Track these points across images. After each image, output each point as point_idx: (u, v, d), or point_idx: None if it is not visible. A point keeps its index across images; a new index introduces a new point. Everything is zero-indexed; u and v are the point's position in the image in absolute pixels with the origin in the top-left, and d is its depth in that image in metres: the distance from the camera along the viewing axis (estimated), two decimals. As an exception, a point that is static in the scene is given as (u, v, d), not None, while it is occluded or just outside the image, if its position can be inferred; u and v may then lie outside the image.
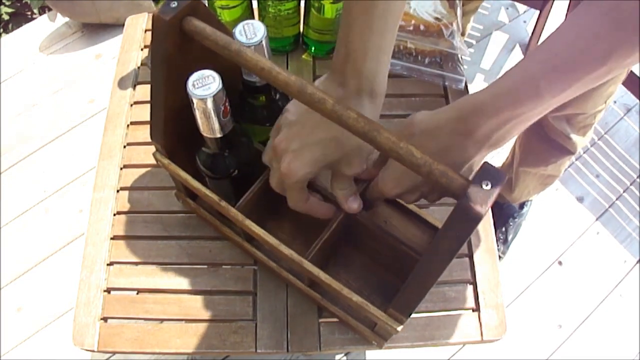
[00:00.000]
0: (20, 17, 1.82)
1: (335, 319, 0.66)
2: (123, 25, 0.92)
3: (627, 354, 1.31)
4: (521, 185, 1.25)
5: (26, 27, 1.78)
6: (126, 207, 0.74)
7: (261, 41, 0.51)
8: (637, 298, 1.37)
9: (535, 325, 1.34)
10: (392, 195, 0.53)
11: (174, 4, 0.46)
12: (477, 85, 1.66)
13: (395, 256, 0.59)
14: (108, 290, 0.69)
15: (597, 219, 1.48)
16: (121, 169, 0.77)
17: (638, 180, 1.55)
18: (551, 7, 1.57)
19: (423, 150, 0.50)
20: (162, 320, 0.67)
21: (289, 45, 0.86)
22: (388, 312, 0.53)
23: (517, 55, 1.73)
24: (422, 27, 0.78)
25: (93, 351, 0.65)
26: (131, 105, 0.83)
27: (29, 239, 1.42)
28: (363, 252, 0.66)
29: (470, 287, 0.69)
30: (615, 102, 1.66)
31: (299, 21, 0.84)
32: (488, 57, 1.74)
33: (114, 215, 0.74)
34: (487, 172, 0.38)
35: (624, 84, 1.49)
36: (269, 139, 0.64)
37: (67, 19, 1.76)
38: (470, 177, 0.39)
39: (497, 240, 0.83)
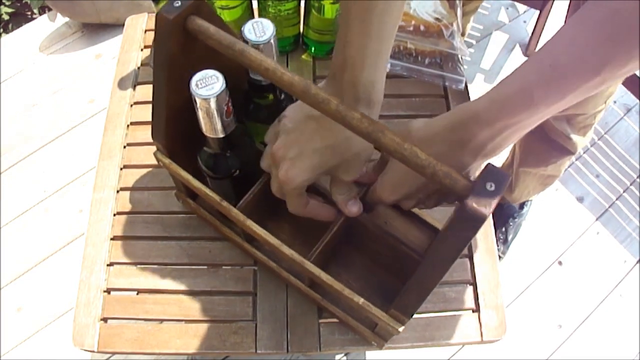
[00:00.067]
0: (20, 17, 1.82)
1: (335, 320, 0.66)
2: (123, 25, 0.92)
3: (627, 354, 1.31)
4: (521, 186, 1.25)
5: (26, 27, 1.78)
6: (126, 207, 0.74)
7: (270, 40, 0.51)
8: (637, 298, 1.37)
9: (535, 325, 1.34)
10: (390, 201, 0.53)
11: (178, 3, 0.46)
12: (477, 85, 1.66)
13: (395, 257, 0.59)
14: (108, 291, 0.69)
15: (597, 219, 1.48)
16: (121, 169, 0.77)
17: (638, 180, 1.55)
18: (551, 7, 1.57)
19: (387, 189, 0.51)
20: (162, 320, 0.67)
21: (289, 46, 0.86)
22: (390, 312, 0.53)
23: (517, 55, 1.73)
24: (422, 28, 0.78)
25: (93, 352, 0.65)
26: (131, 105, 0.83)
27: (29, 239, 1.42)
28: (363, 252, 0.66)
29: (470, 288, 0.69)
30: (615, 102, 1.66)
31: (299, 21, 0.83)
32: (488, 57, 1.73)
33: (114, 215, 0.74)
34: (491, 173, 0.38)
35: (624, 84, 1.49)
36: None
37: (67, 19, 1.76)
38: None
39: (497, 241, 0.84)
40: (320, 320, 0.66)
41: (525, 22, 1.81)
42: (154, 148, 0.60)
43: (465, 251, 0.71)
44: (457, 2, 0.81)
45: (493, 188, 0.37)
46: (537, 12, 1.61)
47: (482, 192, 0.37)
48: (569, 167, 1.54)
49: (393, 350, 0.66)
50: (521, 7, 1.83)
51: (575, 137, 1.02)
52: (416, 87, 0.84)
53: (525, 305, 1.36)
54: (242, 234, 0.66)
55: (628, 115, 1.66)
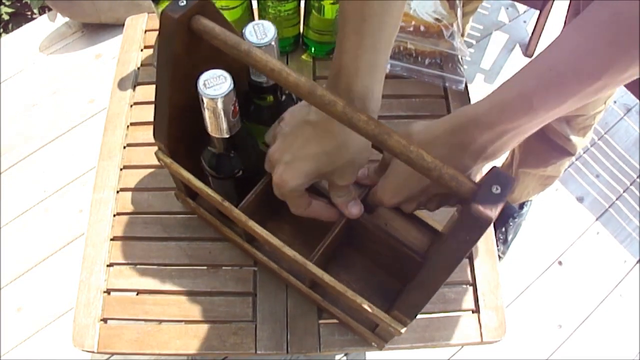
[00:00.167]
0: (20, 17, 1.82)
1: (335, 320, 0.66)
2: (123, 25, 0.92)
3: (627, 354, 1.31)
4: (521, 186, 1.25)
5: (26, 27, 1.78)
6: (126, 208, 0.74)
7: (272, 42, 0.51)
8: (637, 298, 1.37)
9: (535, 325, 1.34)
10: (391, 204, 0.53)
11: (183, 3, 0.46)
12: (477, 85, 1.66)
13: (395, 258, 0.59)
14: (108, 292, 0.69)
15: (597, 219, 1.48)
16: (121, 169, 0.77)
17: (638, 180, 1.55)
18: (551, 7, 1.57)
19: (387, 194, 0.51)
20: (161, 321, 0.67)
21: (289, 46, 0.86)
22: (392, 314, 0.53)
23: (517, 55, 1.73)
24: (422, 28, 0.78)
25: (93, 352, 0.65)
26: (131, 105, 0.83)
27: (29, 239, 1.42)
28: (364, 253, 0.66)
29: (470, 289, 0.69)
30: (615, 102, 1.66)
31: (299, 22, 0.83)
32: (488, 57, 1.73)
33: (114, 216, 0.74)
34: (497, 177, 0.38)
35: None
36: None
37: (67, 19, 1.75)
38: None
39: (497, 241, 0.84)
40: (320, 321, 0.66)
41: (525, 22, 1.81)
42: (154, 148, 0.60)
43: (465, 252, 0.71)
44: (457, 2, 0.81)
45: (499, 191, 0.37)
46: (537, 12, 1.61)
47: (488, 195, 0.37)
48: (568, 167, 1.54)
49: (393, 350, 0.66)
50: (521, 7, 1.83)
51: (574, 139, 1.02)
52: (416, 87, 0.84)
53: (525, 306, 1.36)
54: (243, 235, 0.66)
55: (628, 115, 1.66)
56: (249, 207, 0.58)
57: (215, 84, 0.47)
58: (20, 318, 1.32)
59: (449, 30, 0.78)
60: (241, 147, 0.56)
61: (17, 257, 1.40)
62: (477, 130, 0.45)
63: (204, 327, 0.66)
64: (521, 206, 1.43)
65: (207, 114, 0.49)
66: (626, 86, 1.49)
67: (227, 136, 0.52)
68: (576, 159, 1.57)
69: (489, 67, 1.71)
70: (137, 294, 0.69)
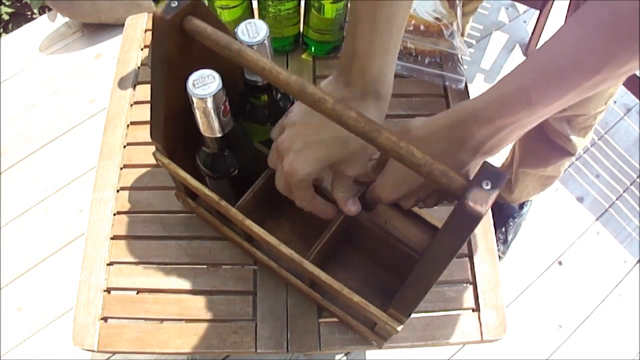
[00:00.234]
0: (20, 17, 1.82)
1: (335, 319, 0.66)
2: (123, 25, 0.92)
3: (627, 354, 1.31)
4: (521, 186, 1.25)
5: (26, 27, 1.78)
6: (126, 207, 0.74)
7: (264, 40, 0.51)
8: (637, 298, 1.37)
9: (535, 325, 1.34)
10: (390, 201, 0.53)
11: (175, 4, 0.46)
12: (477, 85, 1.66)
13: (395, 256, 0.59)
14: (108, 290, 0.69)
15: (597, 219, 1.48)
16: (121, 169, 0.77)
17: (638, 180, 1.55)
18: (551, 7, 1.57)
19: (386, 191, 0.50)
20: (162, 320, 0.67)
21: (289, 45, 0.86)
22: (388, 312, 0.53)
23: (517, 55, 1.73)
24: (422, 27, 0.78)
25: (93, 351, 0.65)
26: (131, 105, 0.83)
27: (29, 239, 1.42)
28: (363, 252, 0.66)
29: (470, 287, 0.69)
30: (615, 102, 1.66)
31: (299, 21, 0.84)
32: (488, 57, 1.73)
33: (114, 215, 0.74)
34: (488, 172, 0.38)
35: (624, 84, 1.49)
36: (271, 140, 0.63)
37: (67, 19, 1.75)
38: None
39: (497, 241, 0.84)
40: (320, 320, 0.66)
41: (525, 22, 1.81)
42: (154, 148, 0.61)
43: (465, 250, 0.71)
44: (457, 2, 0.81)
45: (489, 187, 0.37)
46: (537, 12, 1.61)
47: (478, 190, 0.37)
48: (569, 167, 1.54)
49: (393, 349, 0.66)
50: (521, 7, 1.83)
51: (575, 139, 1.02)
52: (416, 86, 0.84)
53: (525, 305, 1.36)
54: (242, 234, 0.66)
55: (628, 115, 1.66)
56: (247, 206, 0.58)
57: (204, 84, 0.47)
58: (20, 318, 1.32)
59: (449, 29, 0.78)
60: (235, 146, 0.56)
61: (17, 257, 1.40)
62: (475, 124, 0.45)
63: (204, 326, 0.66)
64: (521, 206, 1.43)
65: (197, 114, 0.49)
66: (626, 86, 1.49)
67: (220, 135, 0.52)
68: (576, 159, 1.57)
69: (489, 67, 1.71)
70: (137, 293, 0.69)
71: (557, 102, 0.42)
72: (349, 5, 0.80)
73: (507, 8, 1.84)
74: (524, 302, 1.36)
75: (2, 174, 1.52)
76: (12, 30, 1.78)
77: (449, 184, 0.39)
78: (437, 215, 0.61)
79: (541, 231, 1.45)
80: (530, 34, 1.70)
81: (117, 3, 1.65)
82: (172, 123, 0.56)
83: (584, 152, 1.59)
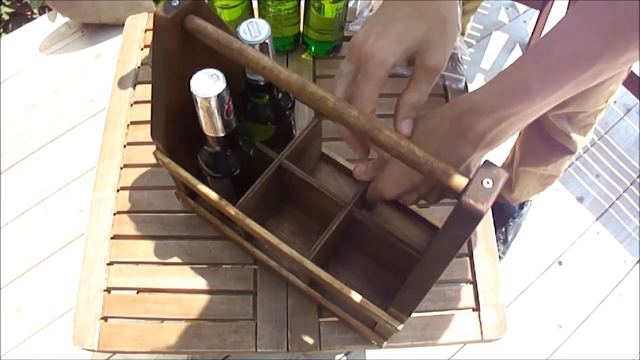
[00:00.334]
0: (20, 17, 1.82)
1: (335, 319, 0.66)
2: (123, 25, 0.92)
3: (627, 354, 1.31)
4: (521, 185, 1.25)
5: (26, 27, 1.78)
6: (126, 206, 0.74)
7: (266, 40, 0.51)
8: (637, 298, 1.37)
9: (535, 325, 1.34)
10: (392, 197, 0.53)
11: (176, 3, 0.46)
12: (477, 85, 1.66)
13: (395, 256, 0.59)
14: (108, 290, 0.69)
15: (597, 219, 1.48)
16: (121, 168, 0.77)
17: (638, 180, 1.55)
18: (551, 7, 1.57)
19: (388, 186, 0.50)
20: (162, 319, 0.67)
21: (289, 45, 0.86)
22: (389, 311, 0.53)
23: (517, 55, 1.73)
24: (422, 27, 0.78)
25: (93, 351, 0.65)
26: (131, 104, 0.83)
27: (29, 239, 1.42)
28: (364, 251, 0.66)
29: (470, 287, 0.69)
30: (615, 102, 1.66)
31: (299, 21, 0.84)
32: (488, 57, 1.74)
33: (114, 215, 0.74)
34: (489, 170, 0.38)
35: (624, 84, 1.49)
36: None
37: (67, 19, 1.76)
38: (471, 176, 0.39)
39: (497, 240, 0.83)
40: (321, 319, 0.66)
41: (525, 22, 1.81)
42: (154, 147, 0.60)
43: (465, 250, 0.71)
44: (457, 1, 0.81)
45: (490, 185, 0.37)
46: (537, 12, 1.61)
47: (479, 188, 0.37)
48: (569, 167, 1.54)
49: (393, 349, 0.66)
50: (521, 7, 1.83)
51: (575, 137, 1.02)
52: (416, 86, 0.84)
53: (525, 305, 1.36)
54: (242, 233, 0.66)
55: (628, 115, 1.66)
56: (247, 206, 0.58)
57: (208, 84, 0.47)
58: (20, 318, 1.32)
59: (449, 29, 0.78)
60: (238, 145, 0.56)
61: (17, 257, 1.40)
62: (475, 116, 0.45)
63: (205, 326, 0.66)
64: (521, 206, 1.43)
65: (201, 114, 0.49)
66: (626, 86, 1.49)
67: (223, 135, 0.52)
68: (576, 159, 1.57)
69: (489, 67, 1.71)
70: (137, 293, 0.69)
71: (556, 93, 0.42)
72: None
73: (507, 8, 1.84)
74: (524, 302, 1.36)
75: (2, 174, 1.52)
76: (12, 30, 1.79)
77: (450, 182, 0.39)
78: (438, 215, 0.62)
79: (541, 231, 1.45)
80: (530, 34, 1.70)
81: (117, 3, 1.65)
82: (173, 122, 0.56)
83: (584, 152, 1.59)
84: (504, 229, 1.40)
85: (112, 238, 0.72)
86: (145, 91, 0.84)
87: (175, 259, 0.70)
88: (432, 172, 0.40)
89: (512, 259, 1.42)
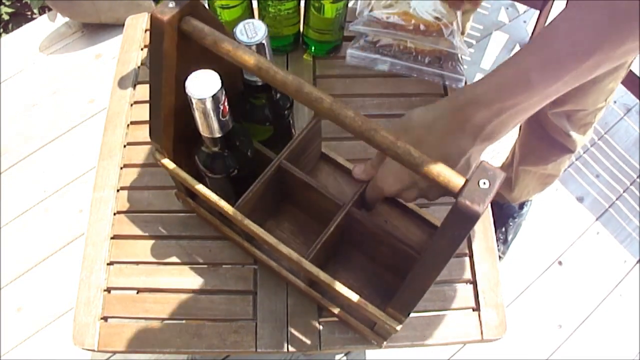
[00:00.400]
0: (20, 17, 1.82)
1: (335, 319, 0.66)
2: (123, 25, 0.92)
3: (627, 354, 1.31)
4: (521, 185, 1.25)
5: (26, 27, 1.78)
6: (126, 206, 0.74)
7: (262, 40, 0.51)
8: (637, 298, 1.37)
9: (535, 325, 1.34)
10: (392, 192, 0.53)
11: (172, 4, 0.46)
12: (477, 85, 1.66)
13: (395, 256, 0.59)
14: (108, 290, 0.69)
15: (597, 219, 1.48)
16: (121, 168, 0.77)
17: (638, 180, 1.54)
18: (551, 7, 1.57)
19: (420, 143, 0.49)
20: (162, 319, 0.67)
21: (289, 45, 0.86)
22: (387, 311, 0.53)
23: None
24: (422, 27, 0.78)
25: (93, 351, 0.65)
26: (131, 104, 0.83)
27: (29, 239, 1.42)
28: (364, 251, 0.66)
29: (470, 287, 0.69)
30: (615, 102, 1.66)
31: (299, 21, 0.84)
32: (488, 57, 1.73)
33: (114, 214, 0.74)
34: (485, 171, 0.38)
35: (624, 84, 1.49)
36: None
37: (67, 19, 1.76)
38: (469, 173, 0.39)
39: (497, 240, 0.84)
40: (321, 319, 0.66)
41: (525, 22, 1.81)
42: (153, 147, 0.60)
43: (465, 250, 0.71)
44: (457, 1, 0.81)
45: (487, 185, 0.37)
46: (537, 12, 1.61)
47: (476, 189, 0.37)
48: (568, 167, 1.54)
49: (393, 349, 0.66)
50: (521, 7, 1.83)
51: (574, 135, 1.02)
52: (416, 86, 0.84)
53: (525, 305, 1.36)
54: (242, 233, 0.66)
55: (628, 115, 1.66)
56: (246, 206, 0.58)
57: (203, 84, 0.47)
58: (20, 318, 1.32)
59: (449, 28, 0.78)
60: (235, 146, 0.56)
61: (17, 257, 1.40)
62: (474, 107, 0.45)
63: (205, 326, 0.66)
64: (521, 206, 1.43)
65: (197, 114, 0.49)
66: (626, 86, 1.49)
67: (219, 135, 0.52)
68: (576, 159, 1.57)
69: (489, 67, 1.71)
70: (137, 293, 0.69)
71: (556, 84, 0.42)
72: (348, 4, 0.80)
73: (507, 8, 1.84)
74: (524, 302, 1.36)
75: (2, 174, 1.52)
76: (12, 30, 1.79)
77: (446, 182, 0.39)
78: (438, 215, 0.62)
79: (541, 231, 1.45)
80: (530, 34, 1.71)
81: (117, 3, 1.65)
82: (171, 123, 0.56)
83: (584, 152, 1.59)
84: (504, 229, 1.40)
85: (112, 238, 0.72)
86: (145, 91, 0.84)
87: (175, 259, 0.70)
88: (428, 173, 0.40)
89: (512, 259, 1.42)
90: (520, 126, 1.16)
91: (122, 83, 0.85)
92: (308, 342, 0.65)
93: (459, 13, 0.80)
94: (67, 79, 1.67)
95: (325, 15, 0.78)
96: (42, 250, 1.40)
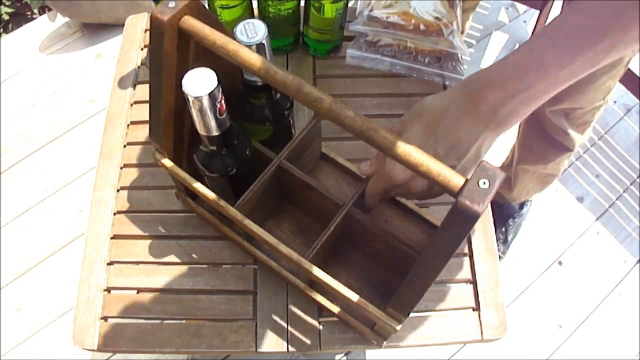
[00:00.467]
0: (20, 17, 1.82)
1: (335, 319, 0.66)
2: (123, 25, 0.92)
3: (627, 354, 1.31)
4: (520, 184, 1.25)
5: (26, 27, 1.78)
6: (126, 206, 0.74)
7: (262, 40, 0.51)
8: (637, 298, 1.37)
9: (535, 325, 1.34)
10: (399, 180, 0.51)
11: (172, 4, 0.46)
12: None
13: (395, 256, 0.59)
14: (108, 290, 0.69)
15: (597, 219, 1.48)
16: (121, 168, 0.77)
17: (638, 180, 1.55)
18: (551, 7, 1.57)
19: (434, 127, 0.49)
20: (162, 319, 0.67)
21: (289, 45, 0.86)
22: (387, 311, 0.53)
23: (517, 55, 1.73)
24: (422, 27, 0.78)
25: (93, 350, 0.65)
26: (131, 104, 0.83)
27: (29, 239, 1.42)
28: (364, 251, 0.66)
29: (470, 286, 0.69)
30: (615, 102, 1.66)
31: (299, 21, 0.84)
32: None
33: (114, 214, 0.74)
34: (485, 171, 0.38)
35: (624, 84, 1.49)
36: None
37: (67, 19, 1.76)
38: (479, 163, 0.39)
39: (497, 240, 0.84)
40: (320, 319, 0.66)
41: (525, 22, 1.81)
42: (153, 147, 0.60)
43: (465, 249, 0.71)
44: (457, 1, 0.81)
45: (487, 185, 0.37)
46: (537, 12, 1.61)
47: (475, 189, 0.37)
48: (568, 167, 1.54)
49: (393, 349, 0.66)
50: (521, 7, 1.83)
51: (573, 133, 1.02)
52: (416, 86, 0.84)
53: (525, 305, 1.36)
54: (242, 233, 0.66)
55: (628, 115, 1.66)
56: (246, 206, 0.58)
57: (199, 82, 0.47)
58: (20, 318, 1.32)
59: (449, 28, 0.78)
60: (232, 144, 0.56)
61: (17, 257, 1.40)
62: (488, 89, 0.45)
63: (205, 326, 0.66)
64: (521, 206, 1.43)
65: (194, 113, 0.49)
66: (626, 86, 1.49)
67: (216, 134, 0.52)
68: (576, 159, 1.57)
69: (489, 67, 1.71)
70: (137, 292, 0.69)
71: (569, 67, 0.43)
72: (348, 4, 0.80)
73: (507, 8, 1.84)
74: (524, 302, 1.36)
75: (2, 174, 1.52)
76: (12, 30, 1.79)
77: (446, 182, 0.39)
78: (438, 215, 0.62)
79: (541, 231, 1.45)
80: (530, 34, 1.70)
81: (117, 3, 1.65)
82: (171, 123, 0.56)
83: (584, 152, 1.59)
84: (504, 229, 1.40)
85: (112, 238, 0.72)
86: (145, 91, 0.84)
87: (175, 259, 0.70)
88: (428, 172, 0.40)
89: (512, 259, 1.42)
90: (520, 125, 1.16)
91: (122, 83, 0.85)
92: (308, 342, 0.65)
93: (459, 12, 0.80)
94: (67, 79, 1.67)
95: (325, 15, 0.78)
96: (42, 250, 1.41)
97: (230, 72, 0.51)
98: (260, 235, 0.56)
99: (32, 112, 1.61)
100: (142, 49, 0.89)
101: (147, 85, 0.84)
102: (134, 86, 0.85)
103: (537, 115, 1.04)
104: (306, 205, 0.66)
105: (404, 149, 0.40)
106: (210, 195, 0.58)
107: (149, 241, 0.72)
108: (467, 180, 0.38)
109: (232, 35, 0.50)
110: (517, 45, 1.73)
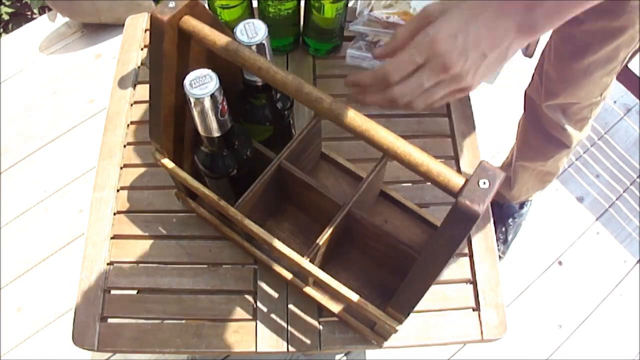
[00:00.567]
0: (20, 17, 1.82)
1: (335, 319, 0.66)
2: (123, 25, 0.92)
3: (627, 354, 1.31)
4: (520, 182, 1.25)
5: (26, 27, 1.78)
6: (126, 206, 0.74)
7: (262, 40, 0.51)
8: (637, 298, 1.37)
9: (535, 325, 1.34)
10: (444, 50, 0.46)
11: (172, 4, 0.46)
12: (477, 85, 1.66)
13: (395, 256, 0.59)
14: (108, 290, 0.69)
15: (597, 219, 1.48)
16: (121, 168, 0.77)
17: (638, 180, 1.54)
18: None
19: (445, 32, 0.44)
20: (162, 319, 0.67)
21: (289, 45, 0.86)
22: (387, 311, 0.53)
23: (517, 55, 1.73)
24: (422, 27, 0.78)
25: (93, 350, 0.65)
26: (131, 104, 0.83)
27: (29, 239, 1.42)
28: (364, 251, 0.66)
29: (470, 287, 0.69)
30: (615, 102, 1.66)
31: (299, 21, 0.84)
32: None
33: (114, 214, 0.74)
34: (485, 171, 0.38)
35: (624, 84, 1.49)
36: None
37: (67, 19, 1.76)
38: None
39: (497, 240, 0.84)
40: (320, 319, 0.66)
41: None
42: (153, 147, 0.61)
43: (465, 250, 0.71)
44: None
45: (487, 185, 0.37)
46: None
47: (475, 189, 0.37)
48: (568, 167, 1.55)
49: (393, 349, 0.66)
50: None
51: (570, 129, 1.02)
52: (416, 86, 0.84)
53: (525, 305, 1.36)
54: (242, 233, 0.66)
55: (628, 115, 1.66)
56: (246, 206, 0.58)
57: (201, 84, 0.47)
58: (20, 318, 1.32)
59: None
60: (234, 145, 0.56)
61: (17, 257, 1.40)
62: None
63: (205, 326, 0.66)
64: (521, 206, 1.43)
65: (195, 114, 0.49)
66: (626, 86, 1.49)
67: (218, 135, 0.52)
68: (576, 159, 1.57)
69: (489, 67, 1.71)
70: (137, 293, 0.70)
71: None
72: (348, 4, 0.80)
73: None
74: (524, 302, 1.36)
75: (2, 174, 1.52)
76: (12, 30, 1.79)
77: (446, 182, 0.39)
78: (438, 215, 0.62)
79: (541, 231, 1.45)
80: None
81: (117, 3, 1.65)
82: (171, 123, 0.56)
83: (584, 152, 1.59)
84: (504, 229, 1.40)
85: (112, 238, 0.72)
86: (145, 91, 0.84)
87: (175, 259, 0.70)
88: (429, 172, 0.40)
89: (512, 259, 1.42)
90: (519, 122, 1.16)
91: (122, 83, 0.85)
92: (308, 342, 0.65)
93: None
94: (67, 79, 1.67)
95: (325, 15, 0.78)
96: (42, 250, 1.41)
97: (230, 72, 0.51)
98: (260, 235, 0.56)
99: (32, 112, 1.61)
100: (142, 49, 0.89)
101: (147, 85, 0.84)
102: (134, 86, 0.85)
103: (535, 110, 1.04)
104: (306, 205, 0.66)
105: (404, 148, 0.40)
106: (211, 195, 0.58)
107: (149, 241, 0.72)
108: (467, 181, 0.38)
109: (232, 35, 0.50)
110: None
